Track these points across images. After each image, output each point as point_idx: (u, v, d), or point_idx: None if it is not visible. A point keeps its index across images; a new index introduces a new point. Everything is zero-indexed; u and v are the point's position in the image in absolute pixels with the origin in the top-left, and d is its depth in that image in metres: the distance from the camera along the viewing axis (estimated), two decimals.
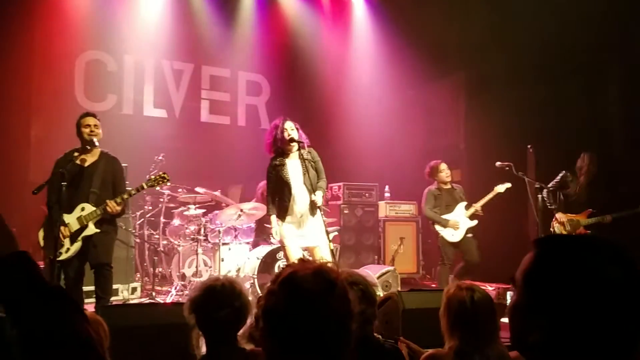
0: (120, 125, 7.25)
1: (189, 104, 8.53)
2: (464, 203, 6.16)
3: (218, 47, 8.50)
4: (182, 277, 6.16)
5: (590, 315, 0.77)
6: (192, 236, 6.16)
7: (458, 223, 6.03)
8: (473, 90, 7.97)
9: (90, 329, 0.95)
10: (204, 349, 1.88)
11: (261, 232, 6.37)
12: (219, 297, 1.85)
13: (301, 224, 4.49)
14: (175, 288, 5.95)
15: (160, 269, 6.53)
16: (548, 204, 5.68)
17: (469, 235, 6.10)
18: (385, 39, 8.79)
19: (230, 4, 8.57)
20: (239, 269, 5.91)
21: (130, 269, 6.12)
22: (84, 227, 4.17)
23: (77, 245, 4.16)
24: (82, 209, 4.18)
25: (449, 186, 6.26)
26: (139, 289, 6.12)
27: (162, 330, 2.89)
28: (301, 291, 1.08)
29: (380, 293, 4.63)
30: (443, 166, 6.19)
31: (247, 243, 6.34)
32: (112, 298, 4.57)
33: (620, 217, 5.31)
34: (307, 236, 4.48)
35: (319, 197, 4.43)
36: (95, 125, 4.31)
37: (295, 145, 4.48)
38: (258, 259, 5.62)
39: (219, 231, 6.06)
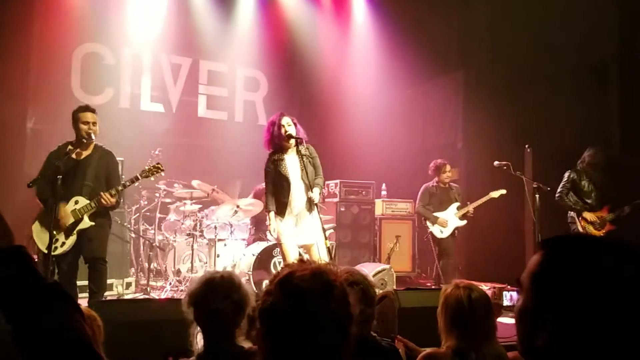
0: (117, 119, 7.21)
1: (186, 98, 8.49)
2: (457, 204, 6.28)
3: (216, 42, 8.46)
4: (177, 272, 6.13)
5: (602, 318, 0.75)
6: (187, 232, 6.14)
7: (447, 222, 6.18)
8: (471, 89, 7.97)
9: (86, 325, 0.94)
10: (200, 343, 1.86)
11: (258, 228, 6.36)
12: (218, 289, 1.83)
13: (298, 221, 4.46)
14: (170, 284, 5.93)
15: (155, 264, 6.51)
16: (571, 205, 5.69)
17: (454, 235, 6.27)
18: (384, 37, 8.77)
19: None
20: (234, 266, 5.89)
21: (125, 264, 6.10)
22: (78, 221, 4.14)
23: (72, 239, 4.12)
24: (76, 202, 4.15)
25: (446, 185, 6.36)
26: (133, 284, 6.10)
27: (156, 326, 2.88)
28: (299, 292, 1.06)
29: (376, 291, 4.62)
30: (448, 168, 6.33)
31: (243, 239, 6.32)
32: (107, 293, 4.53)
33: (636, 207, 5.36)
34: (304, 234, 4.45)
35: (316, 194, 4.40)
36: (93, 123, 4.27)
37: (293, 142, 4.45)
38: (253, 255, 5.60)
39: (215, 227, 6.04)
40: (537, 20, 6.86)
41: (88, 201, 4.14)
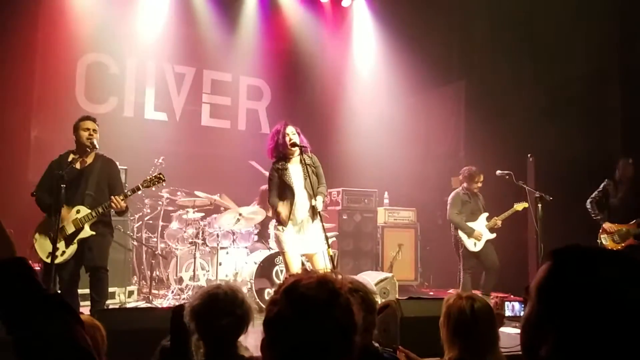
0: (120, 128, 7.25)
1: (189, 107, 8.54)
2: (486, 214, 6.03)
3: (220, 51, 8.51)
4: (180, 280, 6.13)
5: (602, 335, 0.74)
6: (190, 240, 6.14)
7: (482, 235, 5.91)
8: (473, 99, 7.98)
9: (87, 336, 0.94)
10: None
11: (261, 236, 6.36)
12: (221, 306, 1.82)
13: (301, 230, 4.46)
14: (172, 292, 5.92)
15: (158, 273, 6.50)
16: (593, 215, 5.67)
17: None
18: (386, 46, 8.81)
19: (232, 8, 8.59)
20: (236, 274, 5.89)
21: (128, 272, 6.09)
22: (79, 230, 4.13)
23: (73, 248, 4.11)
24: (78, 212, 4.15)
25: (476, 193, 6.12)
26: (135, 293, 6.09)
27: (159, 335, 2.87)
28: (304, 300, 1.06)
29: (378, 300, 4.60)
30: (481, 177, 6.03)
31: (245, 247, 6.32)
32: (109, 301, 4.53)
33: None
34: (306, 242, 4.44)
35: (319, 202, 4.41)
36: (94, 130, 4.28)
37: (297, 150, 4.46)
38: (255, 263, 5.60)
39: (218, 235, 6.04)
40: (538, 30, 6.88)
41: (89, 210, 4.13)
